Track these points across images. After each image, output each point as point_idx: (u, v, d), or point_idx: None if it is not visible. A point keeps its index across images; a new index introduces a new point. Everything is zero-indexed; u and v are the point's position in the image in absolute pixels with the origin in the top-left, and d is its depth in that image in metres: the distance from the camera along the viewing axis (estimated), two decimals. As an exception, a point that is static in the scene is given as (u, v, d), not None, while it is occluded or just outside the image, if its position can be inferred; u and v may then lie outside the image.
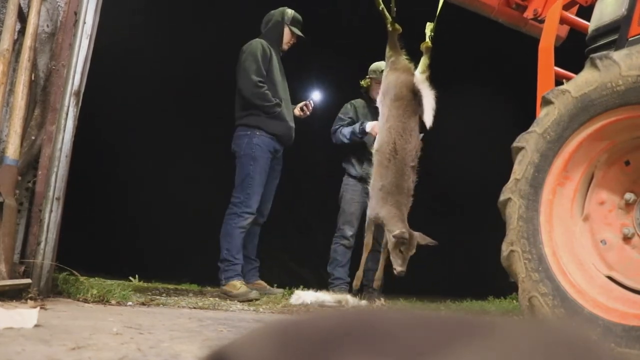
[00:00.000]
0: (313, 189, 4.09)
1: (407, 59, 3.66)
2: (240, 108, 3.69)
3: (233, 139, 3.72)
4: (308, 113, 4.03)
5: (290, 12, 3.87)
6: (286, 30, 3.84)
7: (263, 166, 3.60)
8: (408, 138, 3.37)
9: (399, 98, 3.47)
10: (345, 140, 4.08)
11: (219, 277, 3.47)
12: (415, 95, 3.44)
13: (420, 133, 3.50)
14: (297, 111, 4.00)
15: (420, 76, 3.50)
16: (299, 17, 3.89)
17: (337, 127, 4.19)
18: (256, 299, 3.34)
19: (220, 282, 3.46)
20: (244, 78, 3.61)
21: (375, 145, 3.49)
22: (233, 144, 3.71)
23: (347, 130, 4.08)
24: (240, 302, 3.27)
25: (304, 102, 4.04)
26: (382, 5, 3.63)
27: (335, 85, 4.07)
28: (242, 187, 3.55)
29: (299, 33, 3.87)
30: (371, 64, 4.31)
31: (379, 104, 3.67)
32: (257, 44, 3.69)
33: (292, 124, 3.81)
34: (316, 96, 4.22)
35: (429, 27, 3.74)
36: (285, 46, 3.88)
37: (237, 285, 3.39)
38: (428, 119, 3.34)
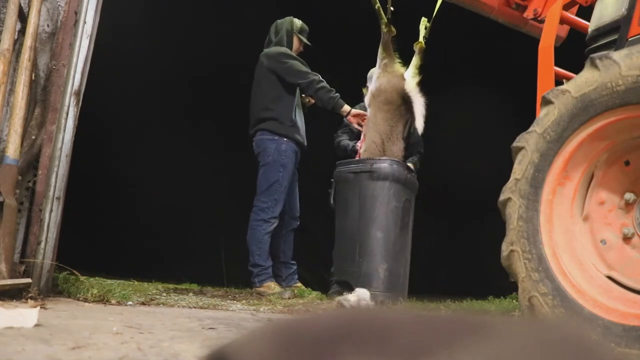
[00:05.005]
0: (313, 190, 4.09)
1: (399, 62, 3.67)
2: (261, 112, 3.71)
3: (255, 142, 3.74)
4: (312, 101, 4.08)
5: (298, 22, 3.96)
6: (295, 39, 3.93)
7: (290, 173, 3.70)
8: (395, 141, 3.47)
9: (389, 102, 3.52)
10: (340, 153, 4.07)
11: (252, 280, 3.63)
12: (404, 101, 3.50)
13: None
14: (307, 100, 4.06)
15: (411, 82, 3.54)
16: (306, 26, 4.00)
17: (339, 138, 4.17)
18: (290, 298, 3.42)
19: (254, 284, 3.61)
20: (294, 73, 3.66)
21: (364, 147, 3.53)
22: (256, 147, 3.73)
23: (345, 143, 4.07)
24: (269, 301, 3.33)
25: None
26: (377, 4, 3.61)
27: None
28: (270, 193, 3.61)
29: (307, 42, 3.97)
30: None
31: (366, 103, 3.69)
32: (279, 48, 3.80)
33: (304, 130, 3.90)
34: None
35: (423, 22, 3.73)
36: (294, 54, 3.95)
37: (272, 286, 3.56)
38: (419, 125, 3.45)
